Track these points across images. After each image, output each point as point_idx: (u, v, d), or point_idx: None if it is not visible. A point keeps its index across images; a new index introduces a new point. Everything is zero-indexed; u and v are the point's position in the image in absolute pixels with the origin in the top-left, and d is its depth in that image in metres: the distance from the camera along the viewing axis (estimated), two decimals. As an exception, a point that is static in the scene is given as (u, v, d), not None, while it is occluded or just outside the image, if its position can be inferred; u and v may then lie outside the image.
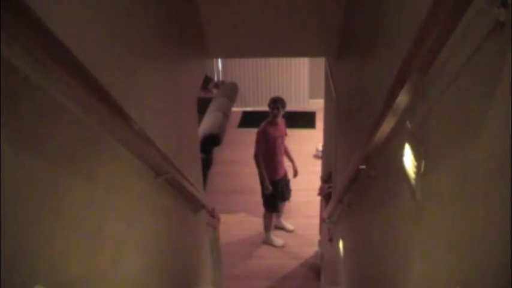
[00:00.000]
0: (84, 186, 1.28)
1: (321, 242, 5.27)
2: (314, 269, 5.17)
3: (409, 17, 1.40)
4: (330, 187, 4.37)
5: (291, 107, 8.33)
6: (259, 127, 5.03)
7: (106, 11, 1.49)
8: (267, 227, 5.43)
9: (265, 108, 8.22)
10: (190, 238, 3.26)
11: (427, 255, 1.22)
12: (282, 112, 4.90)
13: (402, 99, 1.25)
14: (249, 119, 8.16)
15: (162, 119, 2.34)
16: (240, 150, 6.98)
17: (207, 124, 6.09)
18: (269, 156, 4.99)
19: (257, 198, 5.36)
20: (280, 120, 5.02)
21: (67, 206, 1.17)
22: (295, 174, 5.33)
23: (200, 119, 5.93)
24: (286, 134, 5.20)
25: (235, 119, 8.09)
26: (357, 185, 2.34)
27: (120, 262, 1.61)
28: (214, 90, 7.75)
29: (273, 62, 8.25)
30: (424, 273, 1.25)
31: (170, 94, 2.58)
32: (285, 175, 5.31)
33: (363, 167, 2.04)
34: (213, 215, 4.10)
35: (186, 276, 3.04)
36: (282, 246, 5.45)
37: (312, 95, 8.38)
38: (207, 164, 5.66)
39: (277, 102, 4.86)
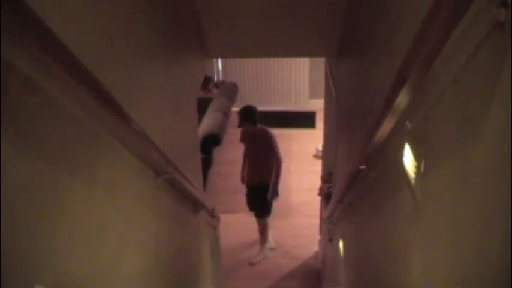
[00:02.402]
0: (84, 186, 1.28)
1: (320, 242, 5.27)
2: (313, 271, 5.17)
3: (409, 17, 1.40)
4: (330, 187, 4.37)
5: (290, 107, 8.38)
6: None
7: (106, 11, 1.49)
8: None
9: (265, 108, 8.27)
10: (190, 238, 3.26)
11: (427, 255, 1.22)
12: (246, 123, 4.83)
13: (402, 99, 1.25)
14: (249, 119, 8.15)
15: (162, 119, 2.34)
16: (240, 150, 6.96)
17: (207, 124, 6.09)
18: (244, 160, 5.19)
19: (257, 198, 5.36)
20: (258, 129, 4.91)
21: (67, 206, 1.17)
22: (272, 196, 4.97)
23: (200, 119, 5.93)
24: (272, 148, 4.85)
25: (235, 119, 8.08)
26: (357, 185, 2.34)
27: (120, 262, 1.62)
28: (214, 90, 7.74)
29: (273, 62, 8.25)
30: (424, 273, 1.25)
31: (170, 94, 2.58)
32: (257, 185, 5.04)
33: (363, 167, 2.04)
34: (213, 215, 4.10)
35: (186, 276, 3.04)
36: (252, 264, 5.24)
37: (312, 95, 8.37)
38: (207, 164, 5.65)
39: (238, 116, 4.90)
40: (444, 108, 1.09)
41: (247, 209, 5.29)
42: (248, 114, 4.83)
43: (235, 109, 7.85)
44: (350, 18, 2.93)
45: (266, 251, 5.35)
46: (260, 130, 4.94)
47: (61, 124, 1.13)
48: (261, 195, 5.01)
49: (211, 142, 5.86)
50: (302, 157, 6.95)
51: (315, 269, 5.19)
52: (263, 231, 5.29)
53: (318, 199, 5.16)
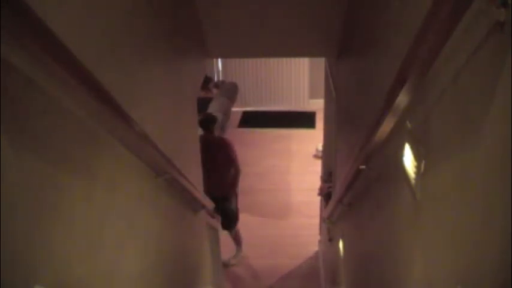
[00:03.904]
0: (84, 186, 1.28)
1: (320, 242, 5.27)
2: (313, 271, 5.17)
3: (409, 17, 1.40)
4: (330, 187, 4.37)
5: (291, 107, 8.38)
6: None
7: (106, 11, 1.49)
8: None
9: (265, 108, 8.26)
10: (190, 238, 3.26)
11: (427, 255, 1.22)
12: (206, 131, 4.73)
13: (402, 99, 1.25)
14: (249, 119, 8.16)
15: (162, 119, 2.34)
16: (240, 150, 6.97)
17: (207, 124, 6.09)
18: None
19: (257, 198, 5.35)
20: (213, 139, 4.80)
21: (67, 206, 1.17)
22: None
23: (200, 119, 5.93)
24: (228, 157, 4.76)
25: (235, 119, 8.09)
26: (357, 185, 2.34)
27: (120, 262, 1.62)
28: (214, 90, 7.74)
29: (273, 62, 8.24)
30: (424, 272, 1.25)
31: (170, 94, 2.58)
32: (220, 197, 4.74)
33: (363, 167, 2.04)
34: (213, 215, 4.11)
35: (186, 276, 3.04)
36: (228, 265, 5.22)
37: (312, 95, 8.37)
38: (207, 164, 5.65)
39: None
40: (444, 108, 1.09)
41: (246, 209, 5.26)
42: (207, 123, 4.75)
43: (235, 109, 7.87)
44: (350, 18, 2.93)
45: (239, 254, 5.31)
46: (216, 139, 4.82)
47: (61, 124, 1.13)
48: (221, 208, 4.80)
49: (211, 142, 5.86)
50: (302, 157, 6.94)
51: (315, 269, 5.19)
52: (235, 239, 5.21)
53: (318, 199, 5.16)
